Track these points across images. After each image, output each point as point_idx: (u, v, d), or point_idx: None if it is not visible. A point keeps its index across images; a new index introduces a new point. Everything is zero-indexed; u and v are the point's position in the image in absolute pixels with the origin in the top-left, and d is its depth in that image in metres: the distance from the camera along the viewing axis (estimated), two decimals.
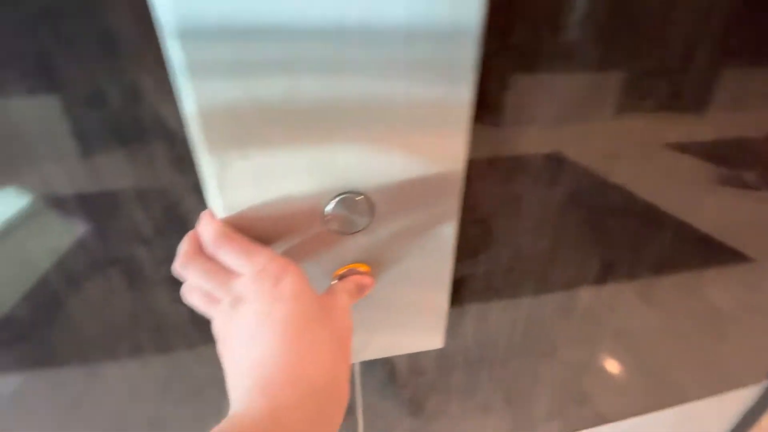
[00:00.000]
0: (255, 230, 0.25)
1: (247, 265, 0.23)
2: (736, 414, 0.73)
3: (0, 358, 0.32)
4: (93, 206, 0.27)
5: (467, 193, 0.31)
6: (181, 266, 0.24)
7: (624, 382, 0.55)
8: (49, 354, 0.32)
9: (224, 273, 0.24)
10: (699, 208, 0.40)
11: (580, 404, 0.55)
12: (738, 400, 0.70)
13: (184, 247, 0.24)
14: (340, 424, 0.22)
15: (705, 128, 0.35)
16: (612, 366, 0.53)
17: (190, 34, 0.20)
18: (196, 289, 0.25)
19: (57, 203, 0.26)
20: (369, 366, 0.41)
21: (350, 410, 0.44)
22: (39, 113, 0.24)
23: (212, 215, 0.26)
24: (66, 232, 0.27)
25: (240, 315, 0.23)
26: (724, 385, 0.64)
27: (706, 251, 0.44)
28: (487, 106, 0.28)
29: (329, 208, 0.26)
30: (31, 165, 0.25)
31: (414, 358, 0.42)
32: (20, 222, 0.27)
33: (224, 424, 0.19)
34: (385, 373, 0.42)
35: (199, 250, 0.24)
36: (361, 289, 0.29)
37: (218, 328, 0.26)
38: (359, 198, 0.26)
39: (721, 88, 0.33)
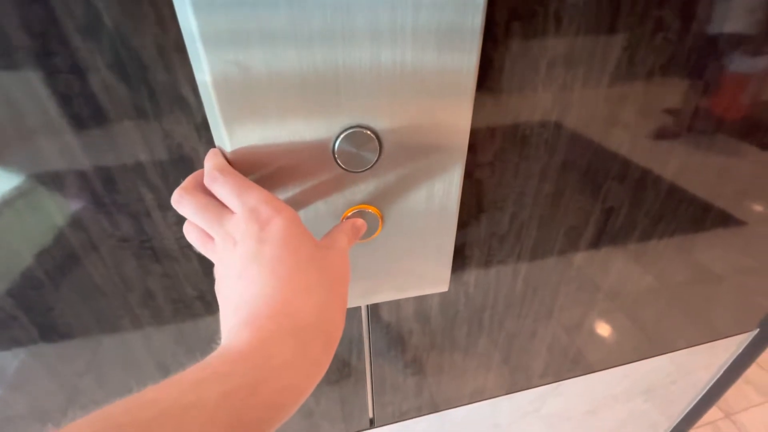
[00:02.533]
0: (264, 168, 0.25)
1: (238, 203, 0.23)
2: (724, 362, 0.76)
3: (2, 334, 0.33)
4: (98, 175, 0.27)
5: (473, 147, 0.31)
6: (176, 200, 0.23)
7: (615, 336, 0.57)
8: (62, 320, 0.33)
9: (217, 209, 0.23)
10: (692, 172, 0.41)
11: (573, 357, 0.57)
12: (726, 350, 0.74)
13: (183, 182, 0.24)
14: (328, 363, 0.22)
15: (700, 94, 0.35)
16: (604, 321, 0.55)
17: (203, 5, 0.20)
18: (194, 227, 0.25)
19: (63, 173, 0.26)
20: (375, 311, 0.42)
21: (358, 354, 0.45)
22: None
23: (218, 151, 0.25)
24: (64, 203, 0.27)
25: (229, 255, 0.23)
26: (711, 336, 0.66)
27: (698, 214, 0.45)
28: (491, 70, 0.28)
29: (337, 143, 0.26)
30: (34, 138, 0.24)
31: (419, 308, 0.43)
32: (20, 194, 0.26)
33: (210, 356, 0.19)
34: (391, 321, 0.43)
35: (198, 185, 0.24)
36: (355, 230, 0.28)
37: (215, 269, 0.26)
38: (367, 133, 0.26)
39: (718, 53, 0.33)
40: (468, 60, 0.24)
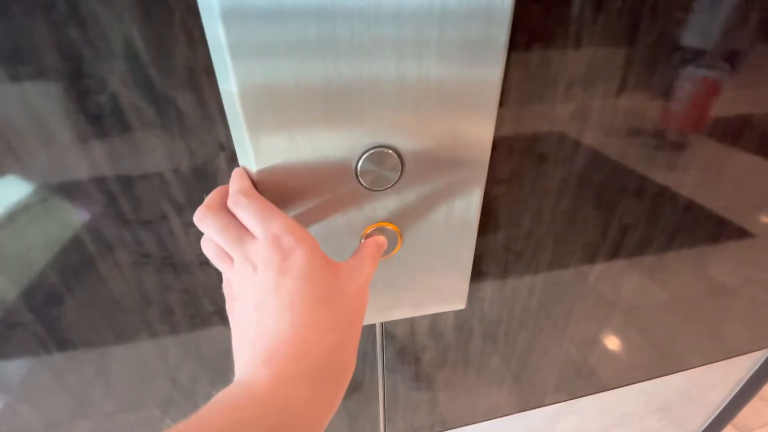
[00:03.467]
0: (287, 184, 0.26)
1: (261, 229, 0.23)
2: (740, 379, 0.75)
3: (9, 343, 0.33)
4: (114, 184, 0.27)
5: (492, 164, 0.31)
6: (199, 218, 0.23)
7: (629, 353, 0.56)
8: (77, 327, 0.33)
9: (239, 231, 0.23)
10: (708, 187, 0.40)
11: (586, 375, 0.56)
12: (741, 367, 0.72)
13: (207, 199, 0.24)
14: (340, 400, 0.22)
15: (716, 110, 0.35)
16: (618, 339, 0.54)
17: (232, 16, 0.20)
18: (212, 242, 0.25)
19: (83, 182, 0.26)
20: (389, 327, 0.41)
21: (371, 371, 0.45)
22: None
23: (243, 172, 0.26)
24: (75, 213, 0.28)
25: (249, 280, 0.23)
26: (726, 353, 0.65)
27: (711, 228, 0.44)
28: (510, 87, 0.29)
29: (360, 162, 0.26)
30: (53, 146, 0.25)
31: (433, 324, 0.43)
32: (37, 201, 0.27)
33: (234, 390, 0.20)
34: (405, 337, 0.43)
35: (222, 204, 0.24)
36: (379, 247, 0.28)
37: (228, 286, 0.26)
38: (389, 152, 0.26)
39: (734, 71, 0.33)
40: (492, 75, 0.24)
